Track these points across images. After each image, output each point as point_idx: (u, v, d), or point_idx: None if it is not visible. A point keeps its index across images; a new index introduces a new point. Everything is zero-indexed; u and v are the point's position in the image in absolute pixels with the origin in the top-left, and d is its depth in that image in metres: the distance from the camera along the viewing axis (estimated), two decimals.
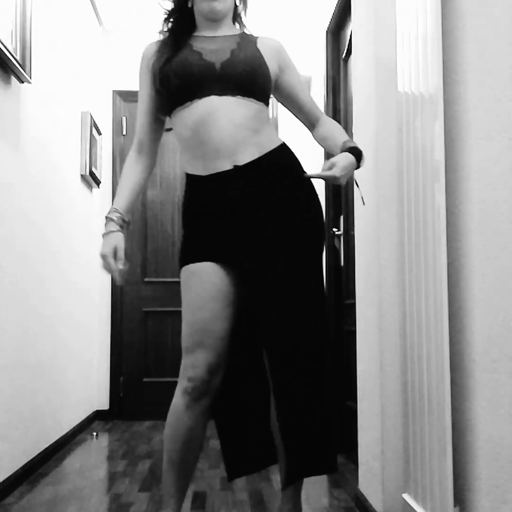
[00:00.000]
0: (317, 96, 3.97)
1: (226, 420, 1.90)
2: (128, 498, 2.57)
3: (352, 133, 2.77)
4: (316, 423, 1.81)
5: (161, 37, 1.95)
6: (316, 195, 1.92)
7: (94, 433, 4.02)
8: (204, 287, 1.80)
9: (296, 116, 2.06)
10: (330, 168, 1.78)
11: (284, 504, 1.92)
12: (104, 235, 1.87)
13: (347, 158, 1.82)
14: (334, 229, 3.50)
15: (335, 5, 3.37)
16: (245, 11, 2.00)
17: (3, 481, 2.56)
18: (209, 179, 1.82)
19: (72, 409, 3.85)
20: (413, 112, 1.84)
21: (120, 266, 1.84)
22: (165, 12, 1.96)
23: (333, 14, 3.44)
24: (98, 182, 4.44)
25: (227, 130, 1.78)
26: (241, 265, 1.80)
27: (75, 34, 3.93)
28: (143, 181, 1.97)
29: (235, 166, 1.79)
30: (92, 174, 4.18)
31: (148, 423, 4.41)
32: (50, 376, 3.32)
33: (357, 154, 1.85)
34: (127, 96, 4.75)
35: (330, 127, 2.00)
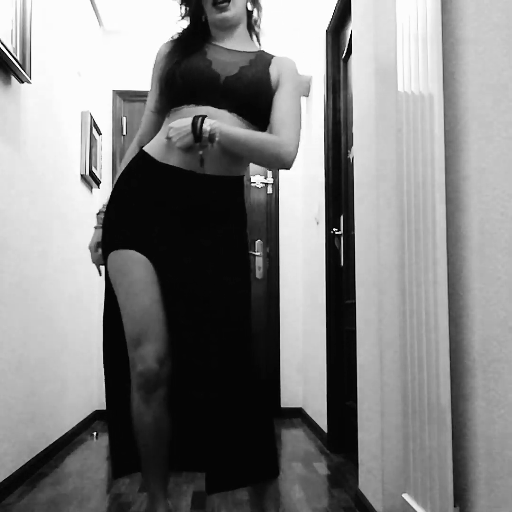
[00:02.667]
0: (317, 96, 3.97)
1: (117, 416, 1.88)
2: (128, 498, 2.57)
3: (352, 133, 2.77)
4: (237, 436, 1.77)
5: (176, 37, 1.97)
6: (244, 220, 1.91)
7: (94, 433, 4.02)
8: (140, 272, 1.78)
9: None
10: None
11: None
12: (94, 228, 1.97)
13: (182, 121, 1.76)
14: (334, 229, 3.51)
15: (335, 5, 3.37)
16: (260, 18, 1.98)
17: (3, 481, 2.56)
18: (163, 167, 1.81)
19: (72, 409, 3.85)
20: (413, 112, 1.84)
21: (102, 260, 1.91)
22: (180, 29, 1.97)
23: (333, 14, 3.45)
24: (98, 182, 4.44)
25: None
26: (164, 265, 1.79)
27: (75, 34, 3.93)
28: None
29: (192, 171, 1.78)
30: (92, 174, 4.18)
31: None
32: (50, 376, 3.32)
33: (193, 123, 1.74)
34: (127, 96, 4.76)
35: (266, 134, 1.92)
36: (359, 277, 2.49)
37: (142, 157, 1.87)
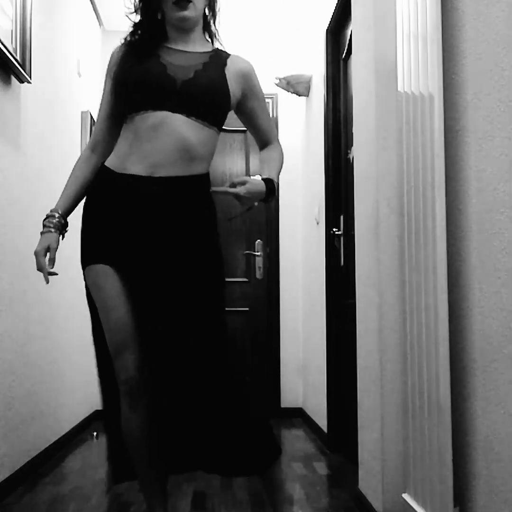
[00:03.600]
0: (317, 96, 3.97)
1: (114, 422, 1.89)
2: (128, 498, 2.57)
3: (352, 133, 2.77)
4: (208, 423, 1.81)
5: (128, 40, 1.94)
6: (214, 222, 1.91)
7: (94, 433, 4.02)
8: (113, 285, 1.81)
9: (251, 134, 2.06)
10: (239, 184, 1.82)
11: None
12: (41, 233, 1.91)
13: (259, 184, 1.84)
14: (334, 229, 3.51)
15: (335, 5, 3.37)
16: (214, 20, 1.96)
17: (3, 481, 2.56)
18: (122, 177, 1.82)
19: (72, 409, 3.85)
20: (413, 112, 1.84)
21: (50, 267, 1.88)
22: (132, 25, 1.95)
23: (333, 14, 3.45)
24: None
25: (163, 149, 1.78)
26: (135, 274, 1.81)
27: (75, 34, 3.93)
28: (89, 181, 1.96)
29: (149, 177, 1.79)
30: None
31: None
32: (50, 376, 3.32)
33: (270, 188, 1.87)
34: None
35: (271, 155, 2.01)
36: (359, 277, 2.49)
37: (102, 171, 1.88)
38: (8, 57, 2.52)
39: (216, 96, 1.84)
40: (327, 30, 3.64)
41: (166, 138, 1.78)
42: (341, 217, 3.46)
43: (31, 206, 2.99)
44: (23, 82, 2.78)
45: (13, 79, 2.72)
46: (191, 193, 1.84)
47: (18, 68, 2.64)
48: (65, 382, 3.67)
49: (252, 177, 1.88)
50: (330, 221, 3.58)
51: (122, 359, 1.79)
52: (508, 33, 1.40)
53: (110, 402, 1.89)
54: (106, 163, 1.87)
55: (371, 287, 2.28)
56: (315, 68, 4.03)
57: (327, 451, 3.46)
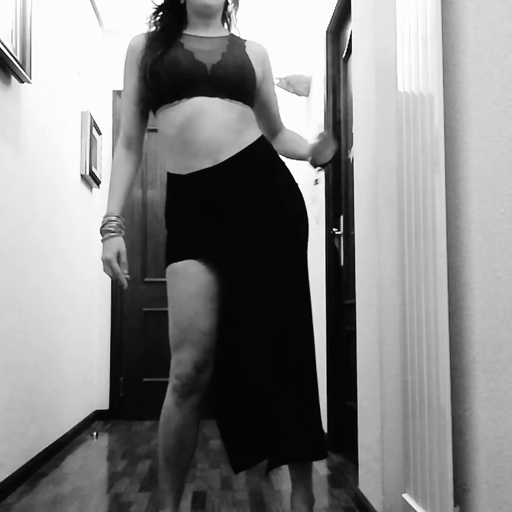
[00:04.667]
0: (317, 96, 3.97)
1: (225, 415, 1.90)
2: (128, 498, 2.57)
3: (352, 133, 2.77)
4: (300, 411, 1.81)
5: (150, 30, 1.95)
6: (297, 187, 1.92)
7: (94, 433, 4.02)
8: (187, 285, 1.82)
9: (260, 122, 2.06)
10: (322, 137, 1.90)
11: (296, 492, 1.88)
12: (103, 240, 1.87)
13: (330, 143, 1.94)
14: (334, 229, 3.50)
15: (335, 5, 3.37)
16: (236, 11, 2.01)
17: (3, 481, 2.56)
18: (189, 178, 1.83)
19: (72, 409, 3.85)
20: (413, 112, 1.84)
21: (125, 270, 1.86)
22: (155, 7, 1.96)
23: (333, 14, 3.44)
24: (98, 182, 4.44)
25: (213, 131, 1.79)
26: (224, 261, 1.81)
27: (75, 34, 3.93)
28: (132, 179, 1.96)
29: (215, 166, 1.80)
30: (92, 174, 4.18)
31: (148, 423, 4.41)
32: (50, 376, 3.32)
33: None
34: None
35: (292, 135, 2.09)
36: (359, 277, 2.49)
37: (171, 178, 1.89)
38: (8, 57, 2.52)
39: (246, 75, 1.87)
40: (327, 30, 3.63)
41: (209, 123, 1.79)
42: (341, 217, 3.46)
43: (31, 206, 2.99)
44: (23, 82, 2.79)
45: (13, 79, 2.72)
46: (262, 159, 1.86)
47: (18, 68, 2.64)
48: (65, 382, 3.67)
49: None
50: (330, 221, 3.58)
51: (180, 354, 1.80)
52: (508, 33, 1.40)
53: (220, 394, 1.88)
54: (170, 171, 1.88)
55: (371, 287, 2.28)
56: (315, 68, 4.03)
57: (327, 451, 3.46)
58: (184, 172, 1.84)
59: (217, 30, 1.95)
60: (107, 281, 4.64)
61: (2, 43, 2.44)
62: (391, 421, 2.11)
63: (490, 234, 1.48)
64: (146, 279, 4.69)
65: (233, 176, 1.81)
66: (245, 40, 1.97)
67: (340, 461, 3.23)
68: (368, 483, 2.30)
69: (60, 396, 3.53)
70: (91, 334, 4.47)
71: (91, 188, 4.40)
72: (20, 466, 2.78)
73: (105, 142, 4.70)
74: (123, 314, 4.69)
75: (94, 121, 4.24)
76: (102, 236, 1.88)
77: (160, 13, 1.95)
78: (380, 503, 2.12)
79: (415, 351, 1.83)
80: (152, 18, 1.96)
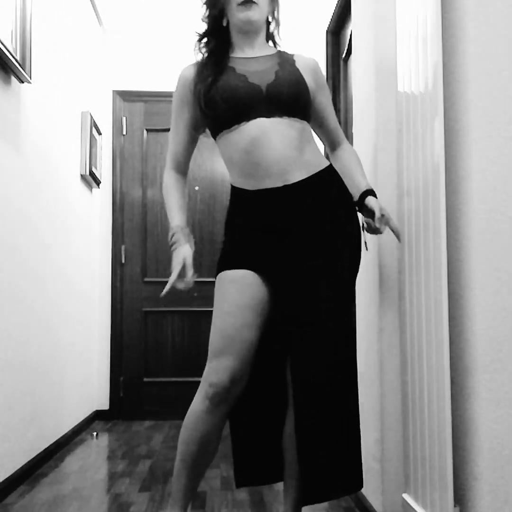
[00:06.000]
0: None
1: (241, 427, 1.90)
2: (128, 498, 2.57)
3: (352, 133, 2.77)
4: (337, 444, 1.78)
5: (197, 60, 1.96)
6: (358, 222, 1.94)
7: (94, 433, 4.02)
8: (241, 295, 1.80)
9: (319, 136, 2.07)
10: (384, 222, 1.89)
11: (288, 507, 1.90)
12: (173, 251, 1.91)
13: (378, 202, 1.91)
14: None
15: (335, 5, 3.37)
16: (278, 30, 2.02)
17: (3, 481, 2.56)
18: (256, 194, 1.83)
19: (72, 409, 3.85)
20: (413, 112, 1.84)
21: (189, 272, 1.88)
22: (199, 34, 1.97)
23: (333, 14, 3.44)
24: (98, 182, 4.44)
25: (279, 150, 1.80)
26: (279, 279, 1.81)
27: (75, 34, 3.93)
28: (184, 197, 2.02)
29: (285, 186, 1.81)
30: (92, 174, 4.18)
31: (148, 423, 4.41)
32: (50, 376, 3.32)
33: (374, 194, 1.95)
34: (127, 96, 4.75)
35: (350, 159, 2.02)
36: (359, 277, 2.48)
37: (236, 191, 1.89)
38: (8, 57, 2.52)
39: (300, 91, 1.87)
40: (327, 30, 3.63)
41: (273, 142, 1.80)
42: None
43: (31, 206, 2.99)
44: (23, 82, 2.78)
45: (13, 79, 2.72)
46: (331, 190, 1.87)
47: (18, 68, 2.64)
48: (65, 382, 3.67)
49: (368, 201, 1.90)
50: None
51: (218, 362, 1.78)
52: (508, 33, 1.40)
53: (244, 405, 1.88)
54: (235, 185, 1.89)
55: (371, 287, 2.27)
56: None
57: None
58: (251, 188, 1.84)
59: (263, 48, 1.96)
60: (107, 281, 4.64)
61: (2, 43, 2.44)
62: (391, 421, 2.11)
63: (490, 234, 1.48)
64: (146, 279, 4.69)
65: (300, 198, 1.82)
66: (293, 55, 1.97)
67: None
68: (368, 483, 2.30)
69: (60, 396, 3.53)
70: (91, 334, 4.47)
71: (91, 188, 4.40)
72: (20, 466, 2.78)
73: (105, 142, 4.70)
74: (123, 314, 4.68)
75: (94, 121, 4.23)
76: (171, 249, 1.92)
77: (204, 40, 1.96)
78: (380, 503, 2.12)
79: (415, 351, 1.82)
80: (197, 45, 1.97)
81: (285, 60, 1.93)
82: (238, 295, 1.80)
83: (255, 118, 1.81)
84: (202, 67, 1.91)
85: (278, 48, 2.02)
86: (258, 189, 1.82)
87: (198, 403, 1.81)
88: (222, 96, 1.82)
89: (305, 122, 1.89)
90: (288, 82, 1.85)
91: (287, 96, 1.83)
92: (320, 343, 1.77)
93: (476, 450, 1.54)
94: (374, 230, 1.89)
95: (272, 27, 2.01)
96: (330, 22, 3.56)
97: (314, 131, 2.05)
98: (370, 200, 1.90)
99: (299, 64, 1.93)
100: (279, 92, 1.82)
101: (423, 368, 1.76)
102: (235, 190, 1.90)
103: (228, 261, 1.86)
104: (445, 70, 1.69)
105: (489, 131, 1.48)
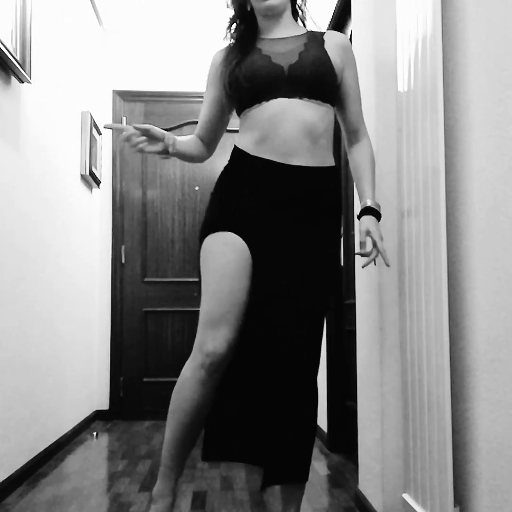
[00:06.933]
0: None
1: (217, 400, 1.88)
2: (128, 498, 2.57)
3: None
4: (300, 437, 1.83)
5: (229, 43, 1.99)
6: (337, 240, 1.98)
7: (94, 433, 4.02)
8: (236, 256, 1.78)
9: (340, 123, 2.03)
10: (368, 239, 1.89)
11: (285, 509, 1.91)
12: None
13: (373, 222, 1.88)
14: None
15: (335, 5, 3.37)
16: (305, 3, 2.02)
17: (3, 481, 2.56)
18: (259, 159, 1.85)
19: (72, 409, 3.85)
20: (413, 112, 1.84)
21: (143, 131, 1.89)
22: (228, 20, 2.00)
23: (333, 14, 3.44)
24: (98, 182, 4.44)
25: (292, 132, 1.82)
26: (264, 251, 1.81)
27: (75, 34, 3.93)
28: (196, 151, 2.05)
29: (288, 165, 1.82)
30: (92, 174, 4.18)
31: (148, 423, 4.41)
32: (50, 376, 3.32)
33: (376, 212, 1.92)
34: (127, 96, 4.76)
35: (363, 162, 1.97)
36: (359, 277, 2.49)
37: (237, 151, 1.91)
38: (8, 57, 2.52)
39: (324, 73, 1.86)
40: (327, 30, 3.63)
41: (289, 123, 1.81)
42: (341, 217, 3.45)
43: (31, 206, 2.99)
44: (23, 82, 2.78)
45: (13, 79, 2.72)
46: (326, 186, 1.88)
47: (18, 68, 2.64)
48: (65, 382, 3.67)
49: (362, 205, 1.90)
50: None
51: (216, 331, 1.76)
52: (508, 33, 1.40)
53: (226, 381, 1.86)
54: (241, 148, 1.90)
55: (371, 287, 2.28)
56: None
57: (327, 451, 3.46)
58: (256, 154, 1.85)
59: (292, 29, 1.96)
60: (107, 281, 4.65)
61: (2, 43, 2.44)
62: (391, 421, 2.11)
63: (490, 234, 1.48)
64: (146, 279, 4.69)
65: (299, 185, 1.83)
66: (324, 33, 1.96)
67: (340, 461, 3.23)
68: (368, 483, 2.30)
69: (60, 396, 3.53)
70: (91, 334, 4.48)
71: (91, 188, 4.40)
72: (20, 466, 2.78)
73: (105, 142, 4.70)
74: (123, 314, 4.69)
75: (94, 121, 4.23)
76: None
77: (233, 25, 1.99)
78: (380, 503, 2.12)
79: (415, 351, 1.83)
80: (227, 31, 2.00)
81: (312, 40, 1.92)
82: (234, 256, 1.78)
83: (276, 97, 1.82)
84: (230, 51, 1.94)
85: (307, 28, 2.02)
86: (260, 156, 1.84)
87: (190, 374, 1.79)
88: (244, 75, 1.85)
89: (329, 106, 1.89)
90: (311, 63, 1.84)
91: (310, 77, 1.83)
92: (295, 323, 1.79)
93: (476, 450, 1.54)
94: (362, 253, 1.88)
95: (299, 2, 2.01)
96: (330, 22, 3.56)
97: (337, 115, 2.03)
98: (362, 222, 1.90)
99: (328, 43, 1.92)
100: (301, 73, 1.83)
101: (423, 368, 1.76)
102: (236, 152, 1.91)
103: (220, 222, 1.84)
104: (445, 70, 1.69)
105: (489, 131, 1.48)
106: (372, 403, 2.26)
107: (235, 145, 1.93)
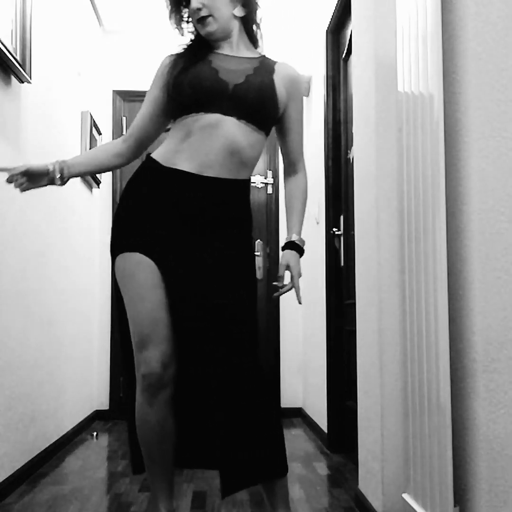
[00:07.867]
0: (317, 96, 3.97)
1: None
2: (128, 498, 2.57)
3: (352, 133, 2.77)
4: (258, 428, 1.79)
5: (182, 49, 1.98)
6: (251, 226, 1.97)
7: (94, 433, 4.02)
8: (146, 276, 1.80)
9: (281, 150, 2.06)
10: (281, 279, 1.94)
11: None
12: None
13: (294, 258, 1.96)
14: (334, 229, 3.51)
15: (335, 5, 3.37)
16: (256, 21, 1.98)
17: (3, 481, 2.56)
18: (170, 170, 1.84)
19: (72, 409, 3.85)
20: (413, 112, 1.84)
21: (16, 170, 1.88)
22: (184, 32, 2.00)
23: (333, 14, 3.45)
24: (98, 182, 4.44)
25: (217, 147, 1.81)
26: (170, 264, 1.81)
27: (75, 34, 3.93)
28: (107, 161, 2.00)
29: (203, 176, 1.82)
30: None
31: None
32: (50, 376, 3.32)
33: (300, 247, 1.98)
34: (127, 96, 4.76)
35: (295, 196, 2.01)
36: (359, 277, 2.49)
37: (148, 161, 1.91)
38: (8, 57, 2.52)
39: (266, 101, 1.87)
40: (327, 30, 3.63)
41: (217, 139, 1.81)
42: (341, 217, 3.46)
43: (31, 206, 2.99)
44: (23, 82, 2.78)
45: (13, 79, 2.72)
46: (237, 197, 1.89)
47: (18, 68, 2.64)
48: (65, 382, 3.67)
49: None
50: (330, 221, 3.58)
51: (146, 352, 1.78)
52: (508, 33, 1.40)
53: (134, 395, 1.88)
54: (153, 155, 1.90)
55: (371, 287, 2.28)
56: (315, 68, 4.03)
57: (327, 451, 3.46)
58: (168, 164, 1.84)
59: (245, 50, 1.96)
60: (107, 281, 4.64)
61: (2, 43, 2.44)
62: (391, 421, 2.11)
63: (490, 234, 1.48)
64: None
65: (208, 197, 1.83)
66: (276, 63, 1.96)
67: (340, 461, 3.23)
68: (368, 483, 2.30)
69: (60, 396, 3.53)
70: (91, 334, 4.47)
71: (91, 188, 4.40)
72: (20, 466, 2.78)
73: (105, 142, 4.70)
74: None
75: (94, 121, 4.23)
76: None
77: (195, 33, 1.99)
78: (380, 503, 2.12)
79: (415, 351, 1.83)
80: (183, 45, 2.01)
81: (263, 67, 1.92)
82: (144, 276, 1.79)
83: (214, 112, 1.82)
84: (180, 56, 1.94)
85: (264, 54, 2.01)
86: (172, 167, 1.83)
87: (139, 398, 1.83)
88: (190, 82, 1.84)
89: (263, 133, 1.90)
90: (257, 88, 1.85)
91: (252, 101, 1.83)
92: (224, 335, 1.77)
93: (476, 450, 1.54)
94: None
95: (252, 28, 1.99)
96: (330, 22, 3.56)
97: (279, 147, 2.06)
98: (284, 255, 1.96)
99: (277, 74, 1.92)
100: (244, 95, 1.83)
101: (423, 368, 1.76)
102: (148, 160, 1.90)
103: (127, 242, 1.84)
104: (445, 70, 1.69)
105: (489, 131, 1.48)
106: (372, 403, 2.26)
107: (148, 154, 1.92)
